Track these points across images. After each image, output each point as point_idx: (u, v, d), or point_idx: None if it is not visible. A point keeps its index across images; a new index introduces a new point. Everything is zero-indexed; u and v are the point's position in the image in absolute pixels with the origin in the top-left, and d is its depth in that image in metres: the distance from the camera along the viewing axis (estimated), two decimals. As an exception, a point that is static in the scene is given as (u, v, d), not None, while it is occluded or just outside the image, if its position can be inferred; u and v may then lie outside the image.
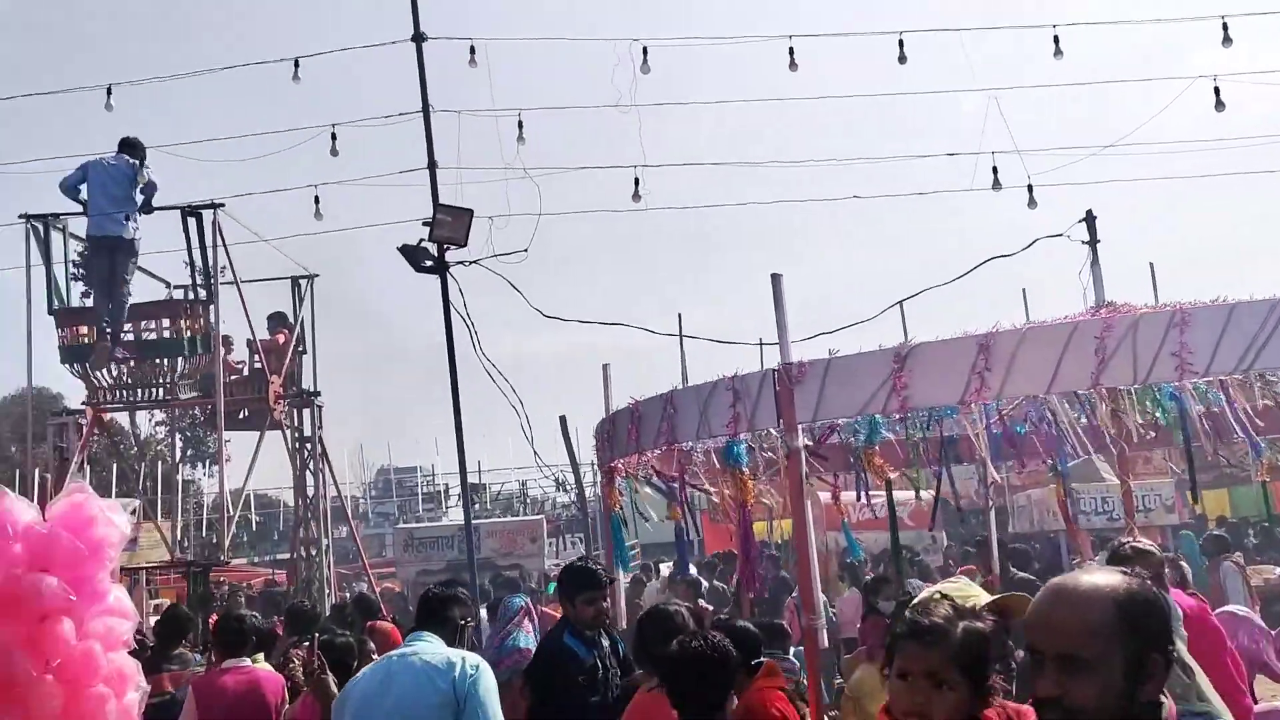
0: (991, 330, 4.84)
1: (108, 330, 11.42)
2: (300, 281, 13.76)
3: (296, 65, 10.70)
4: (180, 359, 11.98)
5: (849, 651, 8.44)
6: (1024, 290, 13.93)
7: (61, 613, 4.35)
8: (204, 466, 35.17)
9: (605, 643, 5.39)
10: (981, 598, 2.92)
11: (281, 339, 13.48)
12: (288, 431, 13.57)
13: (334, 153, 10.69)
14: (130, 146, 11.26)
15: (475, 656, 4.17)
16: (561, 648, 5.23)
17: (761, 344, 9.48)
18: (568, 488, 24.69)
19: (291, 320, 13.70)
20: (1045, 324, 5.04)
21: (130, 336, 11.77)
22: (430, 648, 4.14)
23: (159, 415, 33.26)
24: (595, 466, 13.49)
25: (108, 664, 4.54)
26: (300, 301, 13.75)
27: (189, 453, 35.87)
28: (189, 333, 11.70)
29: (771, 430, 5.63)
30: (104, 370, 11.85)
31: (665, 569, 12.92)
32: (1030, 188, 11.48)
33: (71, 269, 11.94)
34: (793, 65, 10.87)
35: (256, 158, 13.90)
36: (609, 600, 5.44)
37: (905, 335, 5.61)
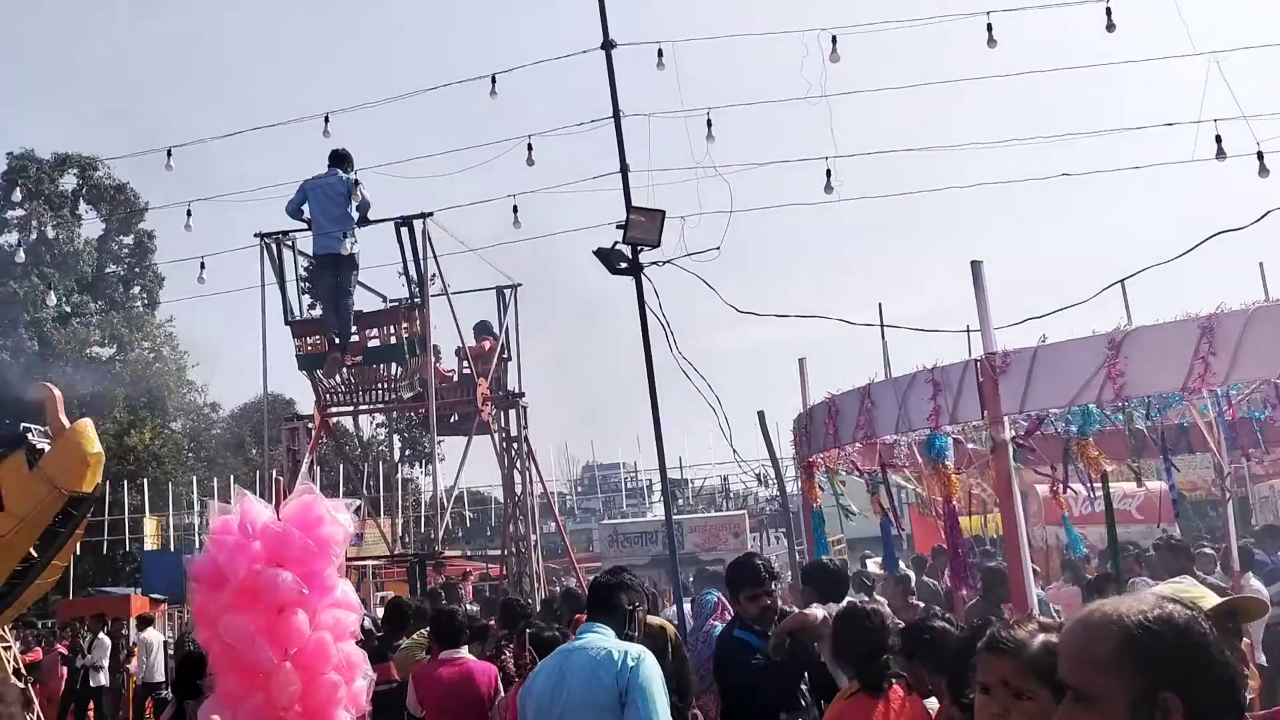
0: (1215, 311, 4.50)
1: (336, 339, 12.23)
2: (504, 291, 14.32)
3: (494, 81, 11.09)
4: (398, 364, 12.70)
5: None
6: (1260, 264, 12.87)
7: (296, 605, 4.68)
8: (421, 465, 37.06)
9: None
10: (1208, 599, 2.80)
11: (487, 345, 14.06)
12: (495, 433, 14.13)
13: (530, 163, 11.03)
14: (340, 158, 11.99)
15: (637, 648, 4.15)
16: (733, 641, 5.25)
17: (969, 331, 9.14)
18: (768, 482, 24.57)
19: (496, 329, 14.28)
20: (1275, 303, 4.65)
21: (355, 339, 12.61)
22: (599, 640, 4.16)
23: (379, 418, 35.31)
24: (795, 461, 13.34)
25: (338, 653, 4.85)
26: (505, 310, 14.31)
27: (407, 452, 37.89)
28: (406, 335, 12.40)
29: (976, 423, 5.42)
30: (335, 381, 12.73)
31: (872, 564, 12.65)
32: (1260, 155, 10.57)
33: (299, 284, 12.83)
34: (991, 42, 10.43)
35: (459, 171, 14.51)
36: (774, 597, 5.36)
37: (1128, 317, 5.28)
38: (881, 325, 13.20)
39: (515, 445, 14.09)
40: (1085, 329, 4.95)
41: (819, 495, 7.21)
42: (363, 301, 13.12)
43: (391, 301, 14.08)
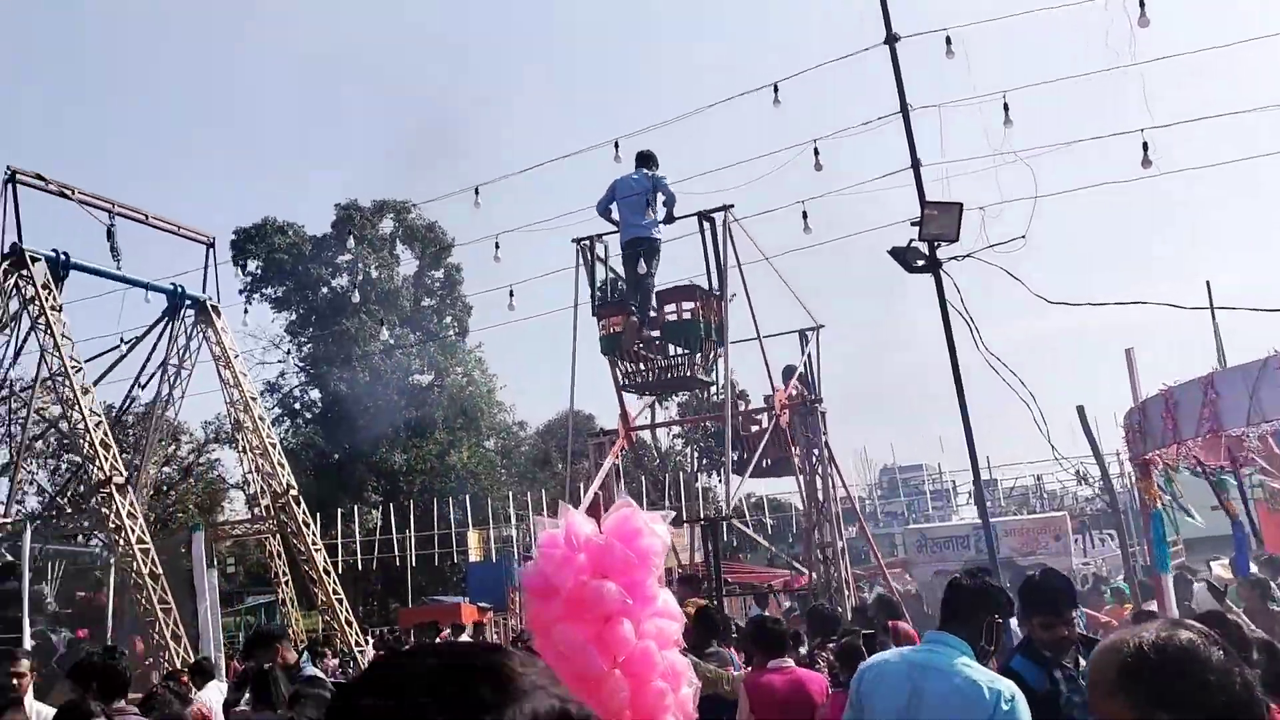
0: None
1: (634, 307, 12.93)
2: (806, 334, 14.54)
3: (776, 90, 11.13)
4: (694, 341, 13.09)
5: None
6: None
7: (621, 615, 4.84)
8: (718, 474, 37.59)
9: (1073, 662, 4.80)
10: None
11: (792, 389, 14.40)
12: (799, 469, 14.25)
13: (818, 167, 10.96)
14: (645, 158, 12.74)
15: (1009, 686, 3.72)
16: (1006, 671, 4.75)
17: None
18: (1090, 480, 22.93)
19: (802, 369, 14.54)
20: None
21: (655, 339, 13.17)
22: (961, 664, 3.76)
23: (676, 430, 36.13)
24: (1119, 457, 12.37)
25: (663, 660, 4.96)
26: (805, 346, 14.54)
27: (704, 461, 38.55)
28: (703, 319, 12.78)
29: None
30: (633, 364, 13.28)
31: (1217, 567, 11.54)
32: None
33: (595, 304, 13.46)
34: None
35: (748, 183, 14.77)
36: (1072, 627, 4.79)
37: None
38: (1212, 307, 11.96)
39: (815, 451, 14.03)
40: None
41: (1158, 495, 6.64)
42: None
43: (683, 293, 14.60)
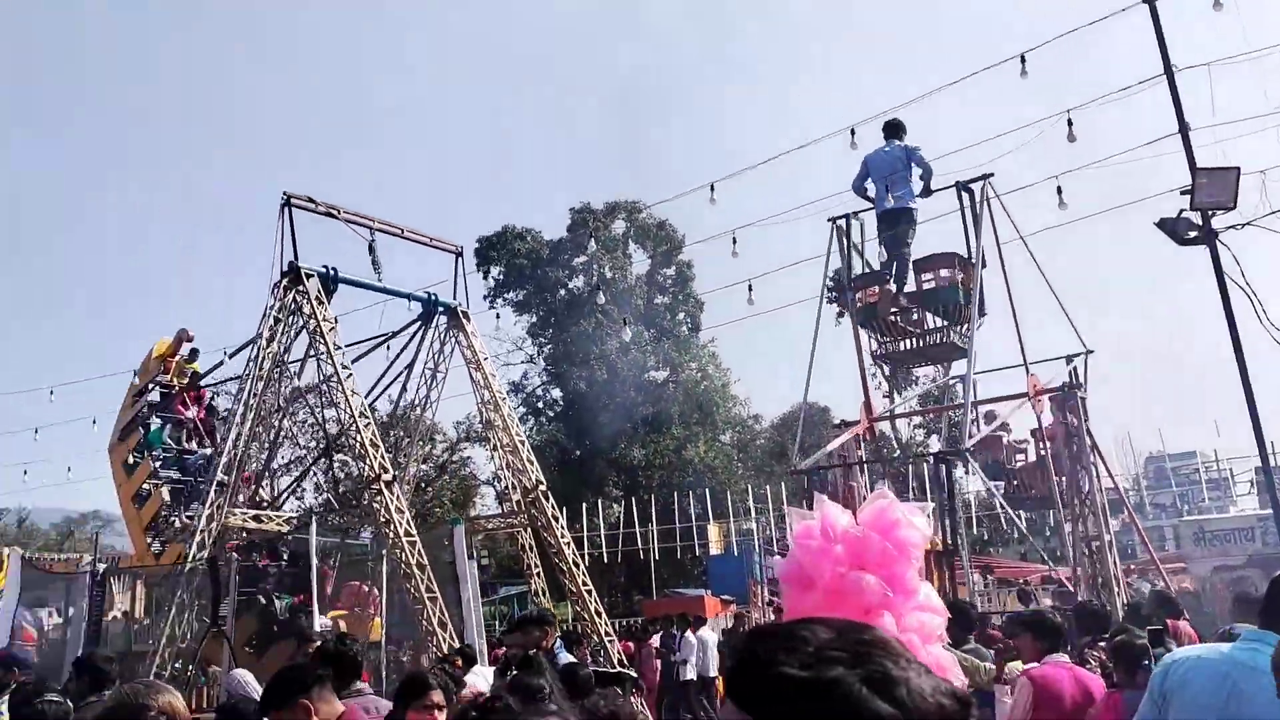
0: None
1: (889, 277, 12.85)
2: (1073, 358, 14.02)
3: (1023, 61, 10.67)
4: (949, 305, 12.76)
5: None
6: None
7: (882, 608, 4.74)
8: (964, 466, 36.20)
9: None
10: None
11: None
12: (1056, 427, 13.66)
13: (1071, 139, 10.40)
14: (894, 128, 12.63)
15: None
16: None
17: None
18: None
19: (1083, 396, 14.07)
20: None
21: (911, 310, 13.06)
22: None
23: (917, 420, 35.12)
24: None
25: (927, 655, 4.82)
26: (1070, 363, 14.04)
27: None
28: (963, 286, 12.46)
29: None
30: (887, 334, 13.12)
31: None
32: None
33: (849, 281, 13.34)
34: None
35: (997, 158, 14.32)
36: None
37: None
38: None
39: (1075, 440, 13.34)
40: None
41: None
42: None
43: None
